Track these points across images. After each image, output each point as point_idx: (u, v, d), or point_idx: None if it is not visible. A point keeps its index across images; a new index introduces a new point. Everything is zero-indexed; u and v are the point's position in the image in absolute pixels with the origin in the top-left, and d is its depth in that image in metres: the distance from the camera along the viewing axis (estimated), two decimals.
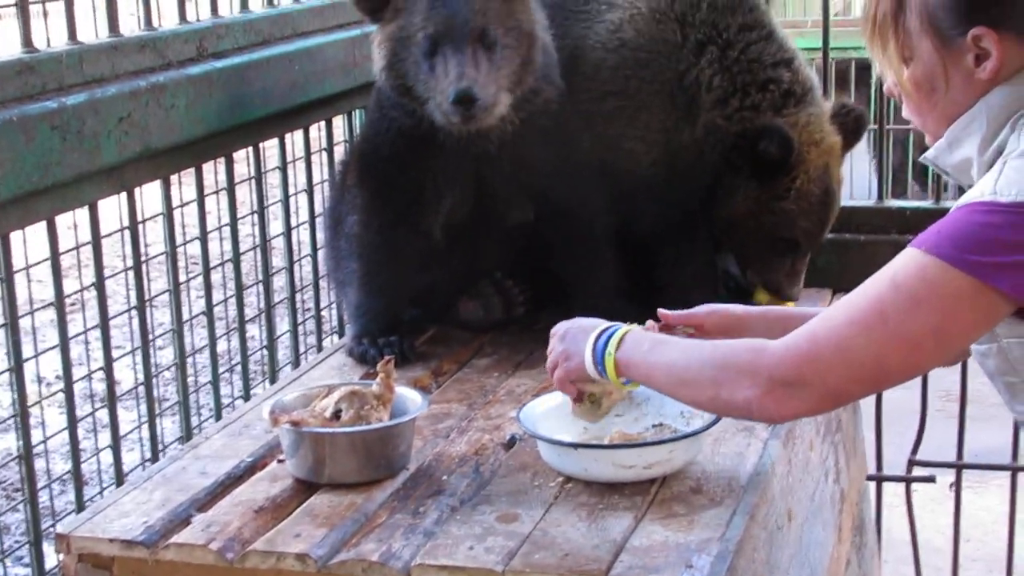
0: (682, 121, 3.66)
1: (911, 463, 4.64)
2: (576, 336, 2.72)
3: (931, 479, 4.61)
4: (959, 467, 4.71)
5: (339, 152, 4.23)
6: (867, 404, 4.37)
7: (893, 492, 4.81)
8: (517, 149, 3.50)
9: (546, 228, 3.69)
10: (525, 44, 3.39)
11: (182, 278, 3.63)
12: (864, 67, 7.92)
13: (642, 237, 3.75)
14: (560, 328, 2.80)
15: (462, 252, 3.74)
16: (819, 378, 2.37)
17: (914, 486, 4.69)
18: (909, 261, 2.35)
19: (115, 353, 3.36)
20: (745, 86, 3.63)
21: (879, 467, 4.68)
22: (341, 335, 4.21)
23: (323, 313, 4.36)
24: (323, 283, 4.30)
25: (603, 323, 2.69)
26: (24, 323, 3.11)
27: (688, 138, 3.67)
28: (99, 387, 3.49)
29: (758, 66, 3.65)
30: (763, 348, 2.43)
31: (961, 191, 2.58)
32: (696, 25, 3.67)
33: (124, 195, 3.34)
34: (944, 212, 4.20)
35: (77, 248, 3.37)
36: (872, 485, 4.55)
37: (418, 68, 3.32)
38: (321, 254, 4.12)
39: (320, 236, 4.20)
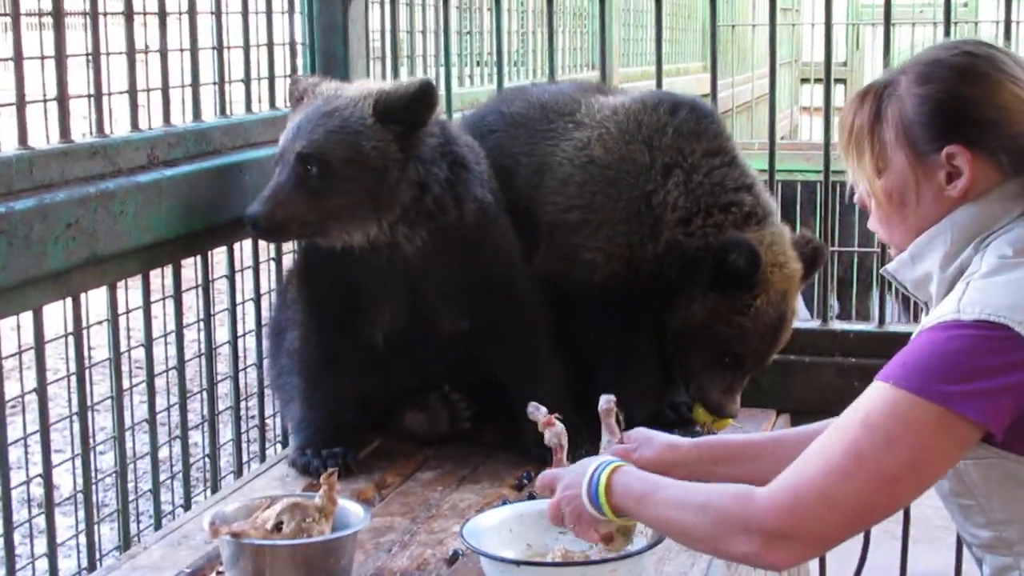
0: (646, 238, 3.73)
1: None
2: (573, 490, 2.67)
3: None
4: None
5: (288, 261, 4.23)
6: None
7: None
8: (438, 263, 3.54)
9: (479, 339, 3.69)
10: (373, 178, 3.38)
11: (126, 384, 3.60)
12: (810, 188, 8.04)
13: (587, 348, 3.77)
14: (558, 485, 2.72)
15: (404, 361, 3.74)
16: (807, 529, 2.36)
17: None
18: (878, 397, 2.35)
19: (55, 458, 3.32)
20: (708, 207, 3.71)
21: None
22: (285, 444, 4.18)
23: (267, 422, 4.33)
24: (268, 392, 4.28)
25: (587, 471, 2.63)
26: None
27: (651, 253, 3.73)
28: (37, 492, 3.44)
29: (720, 189, 3.73)
30: (749, 501, 2.41)
31: (907, 307, 2.60)
32: (663, 149, 3.76)
33: (69, 300, 3.32)
34: (888, 336, 4.28)
35: (20, 352, 3.35)
36: None
37: None
38: (266, 364, 4.10)
39: (266, 345, 4.19)
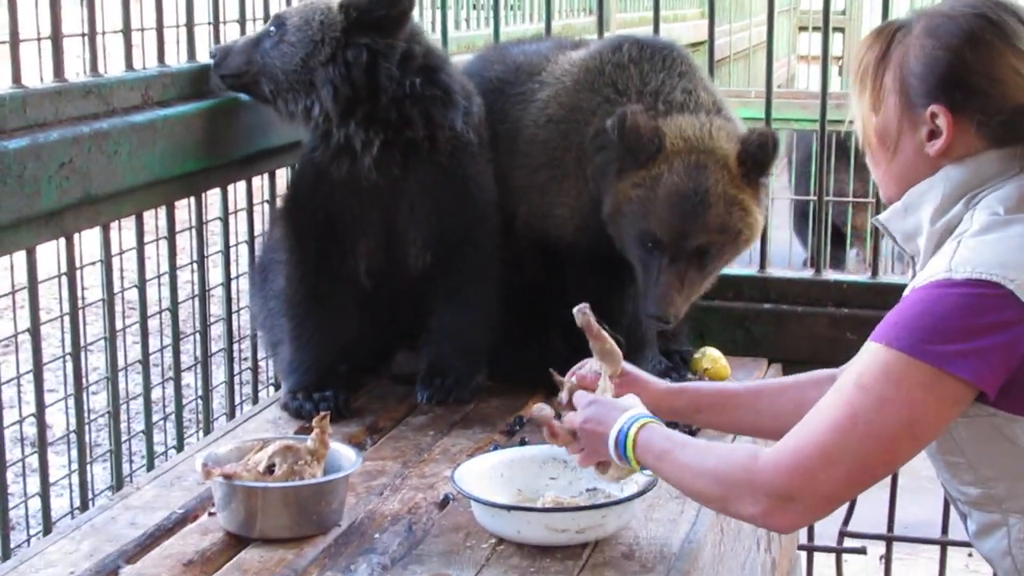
0: (595, 183, 3.67)
1: (842, 534, 4.65)
2: (596, 426, 2.71)
3: (862, 551, 4.63)
4: (890, 539, 4.74)
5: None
6: None
7: (824, 563, 4.82)
8: (409, 190, 3.60)
9: (434, 274, 3.71)
10: (309, 48, 3.52)
11: (119, 325, 3.60)
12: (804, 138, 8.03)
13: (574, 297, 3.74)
14: (582, 416, 2.75)
15: (387, 304, 3.76)
16: (810, 489, 2.39)
17: (845, 557, 4.70)
18: (871, 359, 2.36)
19: (48, 397, 3.33)
20: None
21: (810, 537, 4.70)
22: (277, 387, 4.18)
23: (260, 364, 4.33)
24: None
25: (618, 421, 2.66)
26: None
27: (596, 195, 3.67)
28: (30, 431, 3.44)
29: (654, 99, 3.63)
30: (753, 464, 2.44)
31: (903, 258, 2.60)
32: (599, 88, 3.72)
33: (62, 240, 3.31)
34: (881, 287, 4.28)
35: (13, 292, 3.34)
36: (803, 555, 4.57)
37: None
38: (251, 305, 4.11)
39: (251, 286, 4.19)
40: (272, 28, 3.60)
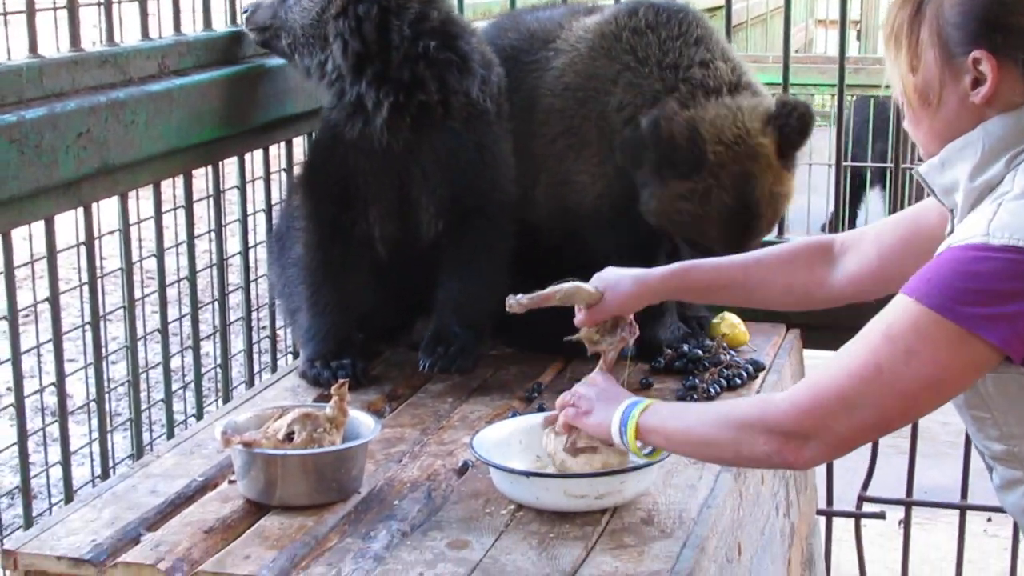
0: (613, 149, 3.65)
1: (861, 499, 4.65)
2: (605, 399, 2.76)
3: (881, 515, 4.62)
4: (909, 504, 4.73)
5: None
6: None
7: (843, 527, 4.82)
8: (422, 156, 3.57)
9: (444, 242, 3.68)
10: (321, 4, 3.56)
11: (137, 294, 3.61)
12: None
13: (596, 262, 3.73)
14: (586, 387, 2.84)
15: (404, 271, 3.75)
16: (825, 429, 2.40)
17: (864, 521, 4.70)
18: (901, 310, 2.35)
19: (68, 367, 3.34)
20: (655, 94, 3.56)
21: (829, 502, 4.70)
22: (296, 356, 4.19)
23: (278, 332, 4.34)
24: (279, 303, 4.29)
25: (630, 396, 2.74)
26: None
27: (617, 164, 3.64)
28: (51, 400, 3.46)
29: (673, 72, 3.57)
30: (768, 402, 2.48)
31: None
32: (617, 55, 3.68)
33: (81, 210, 3.32)
34: None
35: (32, 262, 3.35)
36: (822, 520, 4.57)
37: None
38: (269, 274, 4.12)
39: (269, 254, 4.21)
40: None
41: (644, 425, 2.64)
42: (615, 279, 2.98)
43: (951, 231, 2.51)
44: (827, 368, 2.43)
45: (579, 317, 2.98)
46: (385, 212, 3.65)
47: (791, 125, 3.46)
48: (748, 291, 3.04)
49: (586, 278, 2.98)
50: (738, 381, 3.50)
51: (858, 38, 16.75)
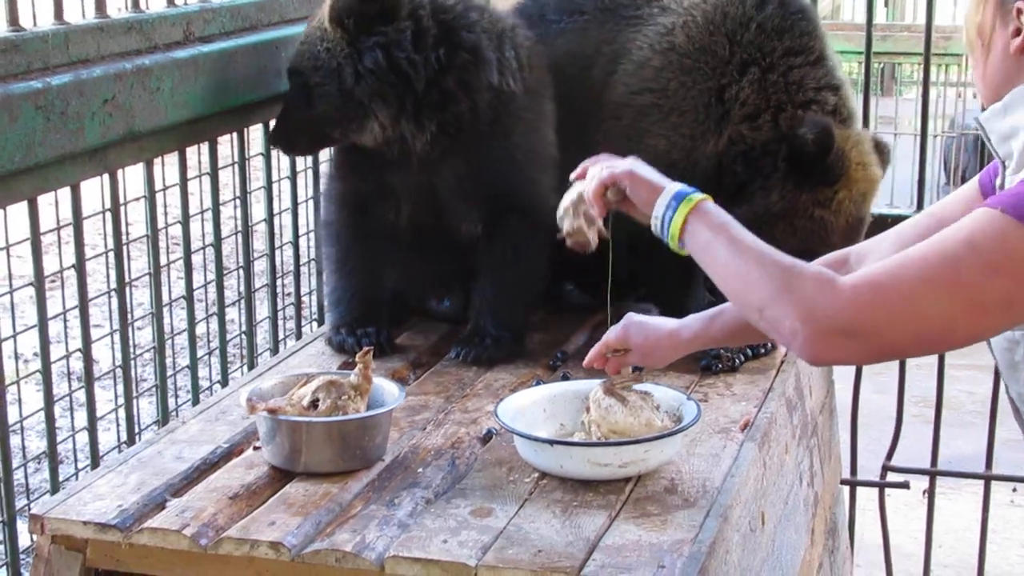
0: (710, 132, 3.67)
1: (885, 468, 4.65)
2: (646, 173, 2.63)
3: (905, 485, 4.63)
4: (933, 474, 4.73)
5: None
6: (843, 407, 4.39)
7: (867, 497, 4.83)
8: (451, 159, 3.50)
9: (481, 242, 3.63)
10: (335, 79, 3.41)
11: (163, 260, 3.62)
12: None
13: (645, 255, 3.65)
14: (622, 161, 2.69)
15: (433, 252, 3.74)
16: (880, 331, 2.26)
17: (888, 491, 4.70)
18: (987, 223, 2.25)
19: (94, 333, 3.35)
20: (781, 104, 3.63)
21: (853, 471, 4.70)
22: (321, 323, 4.20)
23: (303, 300, 4.35)
24: (304, 270, 4.30)
25: (667, 193, 2.56)
26: (3, 300, 3.10)
27: (712, 149, 3.67)
28: (77, 366, 3.47)
29: (798, 88, 3.65)
30: (825, 283, 2.30)
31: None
32: (743, 44, 3.69)
33: (106, 176, 3.33)
34: None
35: (58, 228, 3.37)
36: (846, 489, 4.57)
37: None
38: (306, 239, 4.12)
39: (302, 222, 4.21)
40: (295, 82, 3.52)
41: (692, 221, 2.49)
42: (648, 333, 2.89)
43: (1002, 184, 2.49)
44: (897, 264, 2.29)
45: (610, 366, 2.93)
46: (418, 212, 3.63)
47: (883, 156, 3.79)
48: None
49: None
50: (762, 351, 3.50)
51: (885, 5, 16.65)
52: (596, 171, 2.68)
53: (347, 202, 3.66)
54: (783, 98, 3.64)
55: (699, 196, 2.53)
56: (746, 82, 3.66)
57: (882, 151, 3.80)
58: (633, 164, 2.65)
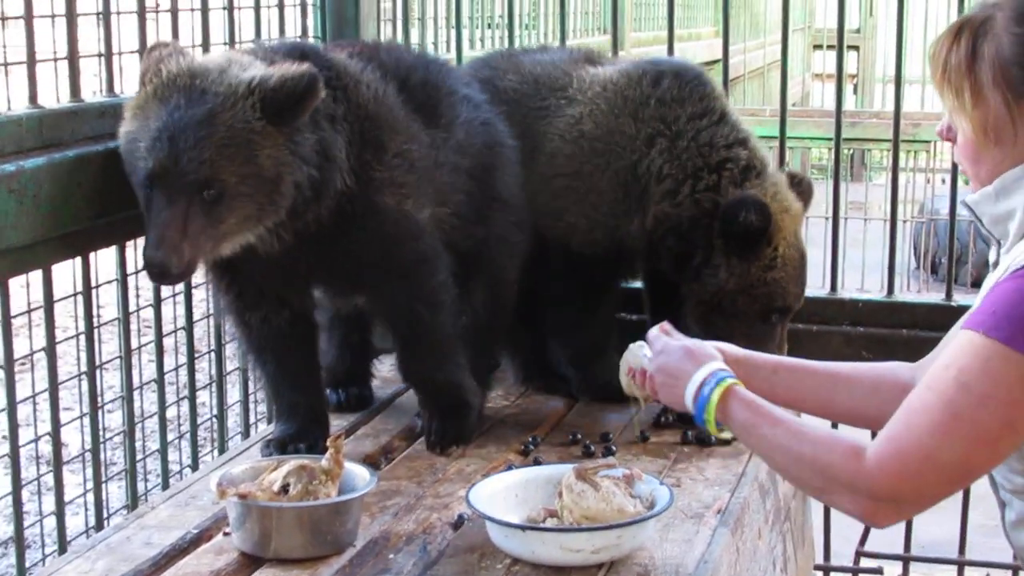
0: (632, 210, 3.77)
1: (859, 554, 4.64)
2: (673, 379, 2.79)
3: (879, 571, 4.62)
4: (907, 559, 4.72)
5: None
6: None
7: None
8: (300, 253, 3.23)
9: (376, 312, 3.58)
10: (267, 187, 3.00)
11: (134, 343, 3.61)
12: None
13: (548, 302, 3.91)
14: (655, 366, 2.86)
15: (351, 324, 3.73)
16: (913, 491, 2.43)
17: None
18: (970, 349, 2.35)
19: (64, 416, 3.33)
20: (697, 171, 3.73)
21: (827, 557, 4.69)
22: None
23: None
24: None
25: (702, 368, 2.73)
26: None
27: (637, 227, 3.77)
28: (46, 449, 3.45)
29: (710, 149, 3.75)
30: (857, 464, 2.44)
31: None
32: (646, 120, 3.80)
33: (78, 259, 3.32)
34: (896, 306, 4.26)
35: (29, 311, 3.35)
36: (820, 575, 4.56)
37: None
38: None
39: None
40: (204, 194, 2.95)
41: (731, 421, 2.66)
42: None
43: (996, 263, 2.51)
44: (907, 425, 2.41)
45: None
46: (293, 296, 3.41)
47: (803, 193, 3.89)
48: (832, 392, 2.93)
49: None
50: None
51: (854, 92, 16.84)
52: (645, 361, 2.90)
53: (235, 310, 3.43)
54: (698, 162, 3.74)
55: (716, 397, 2.67)
56: (655, 153, 3.76)
57: (800, 184, 3.90)
58: (663, 363, 2.82)
